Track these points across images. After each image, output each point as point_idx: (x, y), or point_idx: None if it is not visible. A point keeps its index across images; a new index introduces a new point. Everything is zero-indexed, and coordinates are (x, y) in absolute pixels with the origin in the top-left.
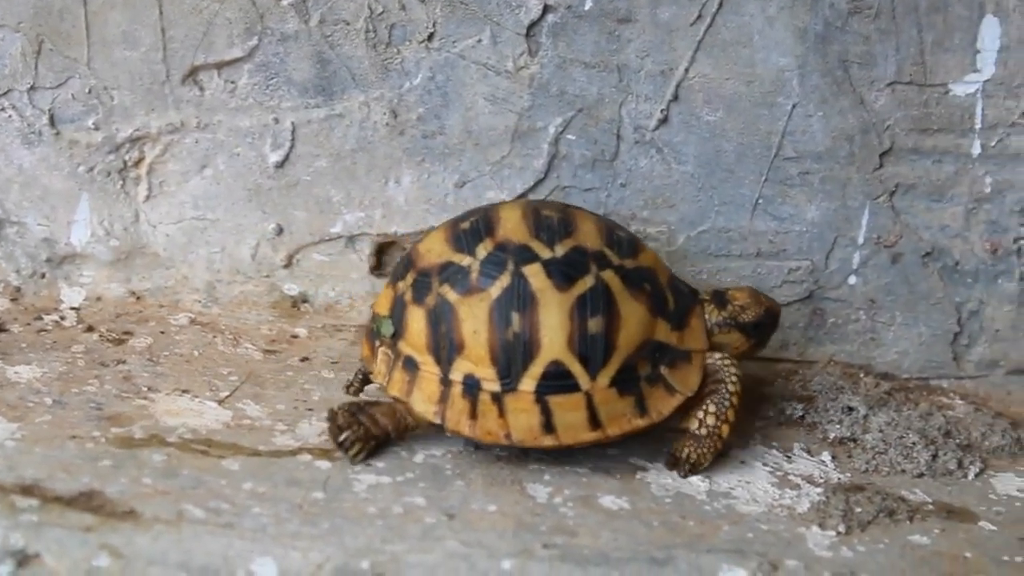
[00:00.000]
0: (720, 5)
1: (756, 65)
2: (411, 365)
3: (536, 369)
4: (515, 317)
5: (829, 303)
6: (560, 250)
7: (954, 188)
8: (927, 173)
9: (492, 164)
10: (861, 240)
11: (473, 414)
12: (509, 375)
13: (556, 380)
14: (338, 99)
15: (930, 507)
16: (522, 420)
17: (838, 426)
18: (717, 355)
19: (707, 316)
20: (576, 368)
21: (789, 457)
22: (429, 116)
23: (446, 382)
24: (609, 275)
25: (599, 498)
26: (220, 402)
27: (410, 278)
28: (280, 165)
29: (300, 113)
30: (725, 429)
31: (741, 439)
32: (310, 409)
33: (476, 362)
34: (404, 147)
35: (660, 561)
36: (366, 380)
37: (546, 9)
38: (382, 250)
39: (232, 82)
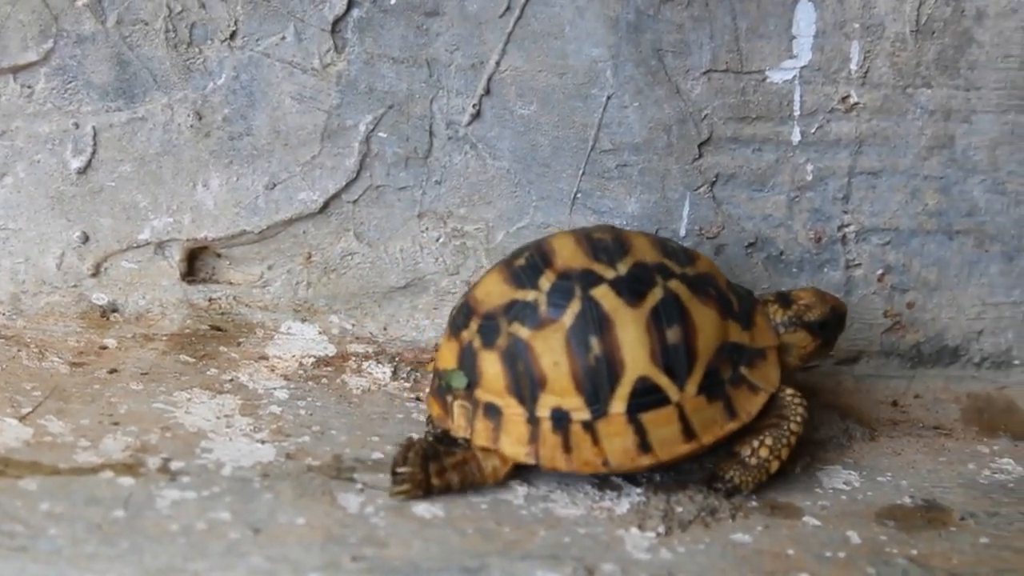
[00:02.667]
0: None
1: (568, 56)
2: (493, 411)
3: (624, 389)
4: (593, 341)
5: None
6: (623, 268)
7: (775, 177)
8: (747, 162)
9: (302, 164)
10: (683, 232)
11: (567, 447)
12: (597, 400)
13: (645, 396)
14: (140, 102)
15: (754, 503)
16: (617, 444)
17: None
18: (789, 391)
19: (772, 317)
20: (663, 381)
21: None
22: (235, 117)
23: (533, 420)
24: (676, 284)
25: (412, 506)
26: (21, 419)
27: (474, 325)
28: (83, 171)
29: (101, 117)
30: (774, 465)
31: None
32: (116, 423)
33: (561, 394)
34: (211, 149)
35: (472, 570)
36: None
37: (351, 4)
38: (193, 255)
39: (29, 87)
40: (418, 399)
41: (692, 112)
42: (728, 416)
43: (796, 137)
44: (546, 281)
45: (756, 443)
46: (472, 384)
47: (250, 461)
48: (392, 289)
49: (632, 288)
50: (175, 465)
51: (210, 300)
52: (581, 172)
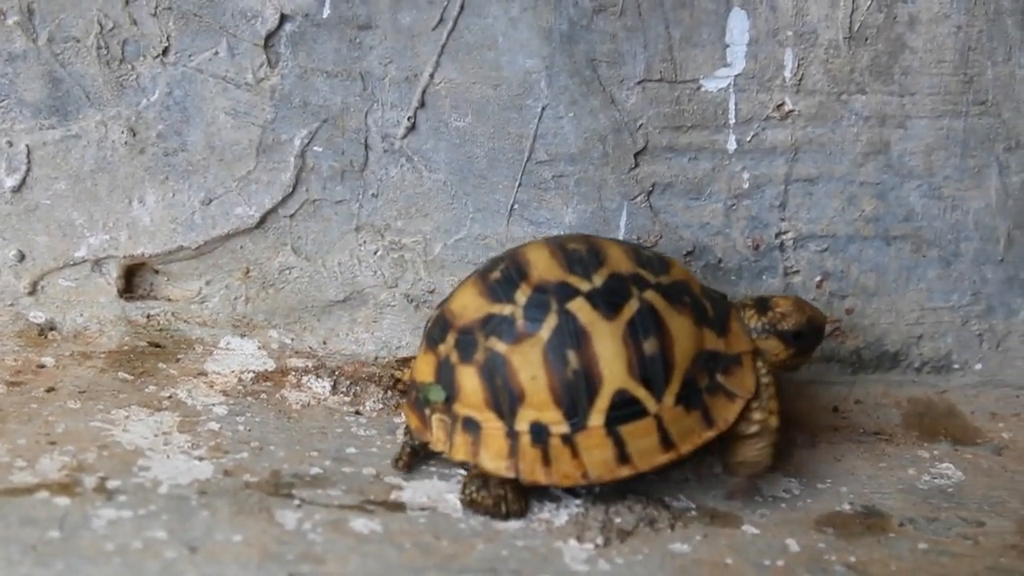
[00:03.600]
0: (462, 8)
1: (502, 68)
2: (472, 425)
3: (602, 402)
4: (571, 355)
5: None
6: (598, 280)
7: (712, 185)
8: (683, 171)
9: (238, 180)
10: None
11: (546, 460)
12: (576, 414)
13: (623, 409)
14: (73, 119)
15: (693, 513)
16: (596, 456)
17: None
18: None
19: (746, 321)
20: (641, 393)
21: None
22: (169, 133)
23: (512, 434)
24: (651, 295)
25: (350, 521)
26: None
27: (451, 339)
28: (17, 189)
29: (35, 135)
30: (774, 420)
31: None
32: (52, 443)
33: (540, 408)
34: (146, 166)
35: None
36: (414, 452)
37: (283, 18)
38: (131, 272)
39: None
40: (358, 413)
41: (627, 122)
42: (706, 425)
43: (732, 145)
44: (522, 295)
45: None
46: (450, 398)
47: (187, 478)
48: (331, 303)
49: (608, 301)
50: (112, 484)
51: (148, 317)
52: (517, 183)
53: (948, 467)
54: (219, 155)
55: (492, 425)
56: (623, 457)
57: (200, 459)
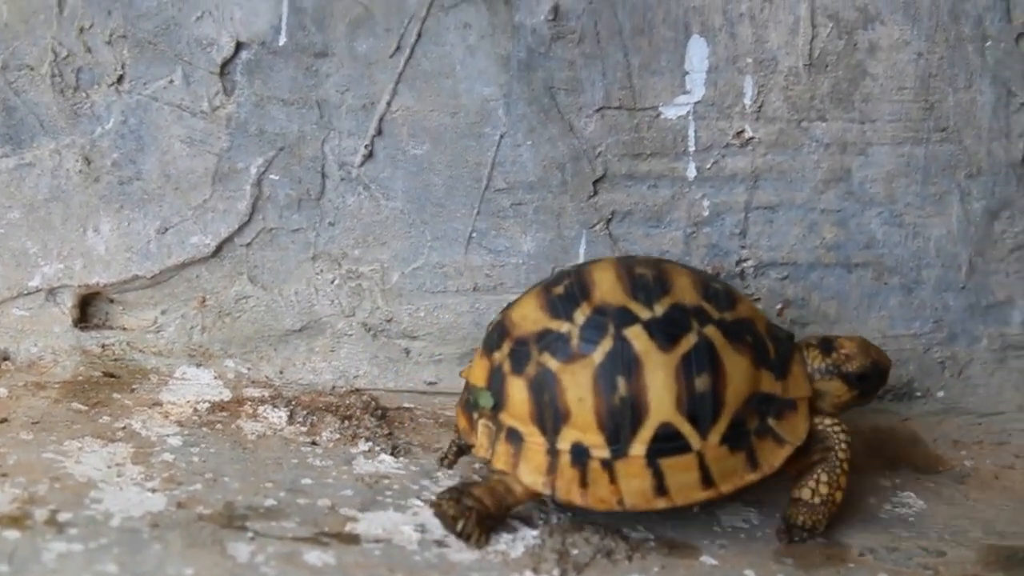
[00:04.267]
0: (419, 36)
1: (460, 96)
2: (515, 437)
3: (646, 433)
4: (620, 382)
5: None
6: (659, 309)
7: (672, 213)
8: (643, 198)
9: (194, 208)
10: None
11: (583, 482)
12: (618, 441)
13: (666, 442)
14: (27, 147)
15: (652, 544)
16: (634, 485)
17: None
18: (828, 420)
19: (810, 361)
20: (686, 429)
21: None
22: (124, 161)
23: (553, 452)
24: (711, 331)
25: (304, 554)
26: None
27: (506, 348)
28: None
29: None
30: (839, 496)
31: None
32: (4, 475)
33: (583, 430)
34: (100, 194)
35: None
36: (460, 452)
37: (239, 46)
38: (86, 301)
39: None
40: (314, 443)
41: (586, 149)
42: (750, 467)
43: (692, 173)
44: (581, 315)
45: (813, 483)
46: (498, 406)
47: (140, 511)
48: (288, 332)
49: (666, 332)
50: (63, 516)
51: (103, 346)
52: (476, 211)
53: (909, 496)
54: (174, 183)
55: (535, 440)
56: (661, 489)
57: (153, 491)
